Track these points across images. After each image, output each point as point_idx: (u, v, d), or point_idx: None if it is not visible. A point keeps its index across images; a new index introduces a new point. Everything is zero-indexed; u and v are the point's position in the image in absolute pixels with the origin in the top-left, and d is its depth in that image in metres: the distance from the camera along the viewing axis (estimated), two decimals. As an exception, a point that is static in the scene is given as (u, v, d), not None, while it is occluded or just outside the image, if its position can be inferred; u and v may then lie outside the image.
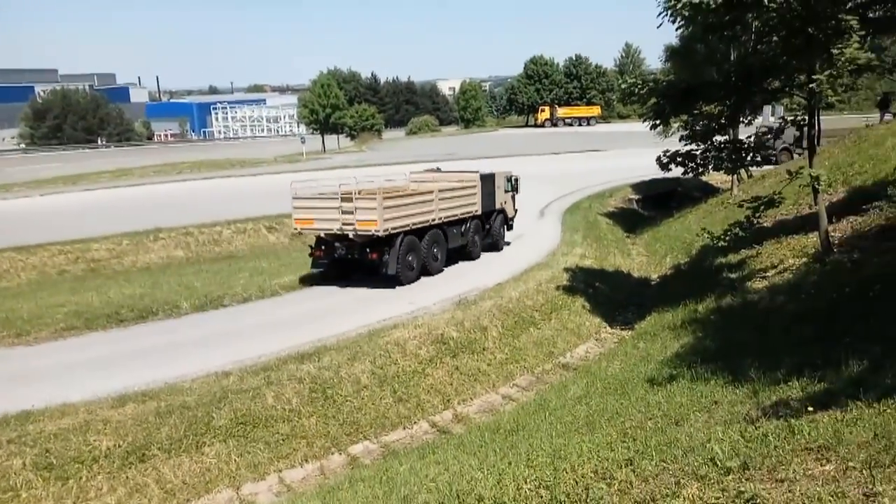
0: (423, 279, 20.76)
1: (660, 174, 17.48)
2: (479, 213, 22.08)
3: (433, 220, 19.74)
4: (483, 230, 22.68)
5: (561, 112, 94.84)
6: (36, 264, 25.84)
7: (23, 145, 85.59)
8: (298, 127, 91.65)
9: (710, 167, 15.75)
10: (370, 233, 17.72)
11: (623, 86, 16.31)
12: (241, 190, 41.77)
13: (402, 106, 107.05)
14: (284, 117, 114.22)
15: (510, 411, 13.13)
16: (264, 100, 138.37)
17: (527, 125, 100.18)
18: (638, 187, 37.84)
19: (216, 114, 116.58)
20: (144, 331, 17.06)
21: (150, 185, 44.49)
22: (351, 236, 18.09)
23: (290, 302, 19.21)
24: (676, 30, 13.87)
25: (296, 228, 19.76)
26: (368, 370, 14.47)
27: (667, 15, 12.97)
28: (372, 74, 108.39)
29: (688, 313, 14.86)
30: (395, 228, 18.09)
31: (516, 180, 23.93)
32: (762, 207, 15.42)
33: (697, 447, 6.39)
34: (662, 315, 15.88)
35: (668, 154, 15.88)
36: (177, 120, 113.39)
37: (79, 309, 18.22)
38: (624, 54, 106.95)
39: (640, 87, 15.43)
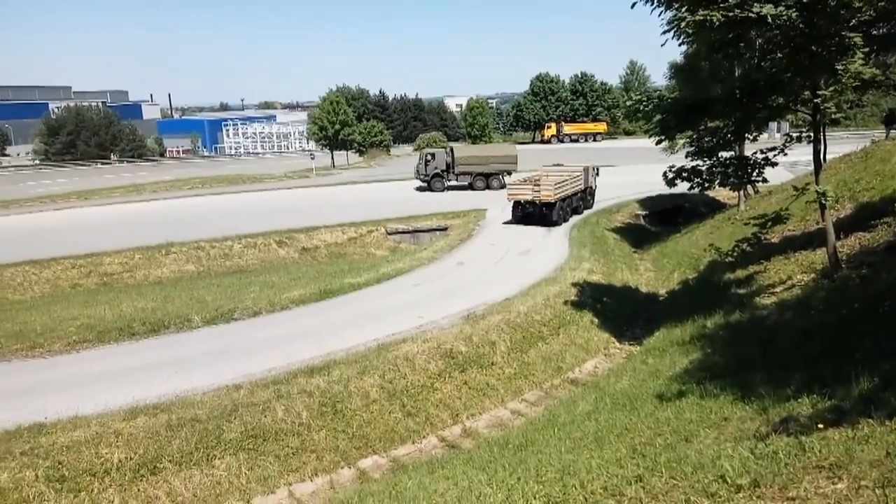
0: (436, 290, 21.04)
1: (666, 190, 17.55)
2: (583, 188, 35.79)
3: (569, 192, 33.53)
4: (584, 197, 36.22)
5: (567, 128, 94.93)
6: (49, 278, 26.16)
7: (37, 161, 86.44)
8: (308, 143, 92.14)
9: (716, 182, 15.76)
10: (548, 200, 31.26)
11: (629, 102, 16.45)
12: (252, 205, 42.09)
13: (409, 122, 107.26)
14: (294, 134, 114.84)
15: (519, 426, 13.14)
16: (274, 116, 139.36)
17: (533, 141, 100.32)
18: (645, 203, 37.86)
19: (227, 130, 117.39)
20: (156, 344, 17.22)
21: (162, 201, 44.92)
22: (537, 202, 31.52)
23: (301, 316, 19.33)
24: (679, 45, 13.99)
25: (510, 199, 32.61)
26: (377, 384, 14.53)
27: (671, 33, 13.10)
28: (380, 91, 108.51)
29: (696, 329, 14.85)
30: (557, 197, 31.61)
31: (598, 169, 38.73)
32: (769, 223, 15.45)
33: (707, 464, 6.39)
34: (671, 330, 15.87)
35: (673, 170, 15.92)
36: (188, 136, 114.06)
37: (91, 322, 18.42)
38: (629, 71, 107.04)
39: (645, 103, 15.56)
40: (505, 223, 32.87)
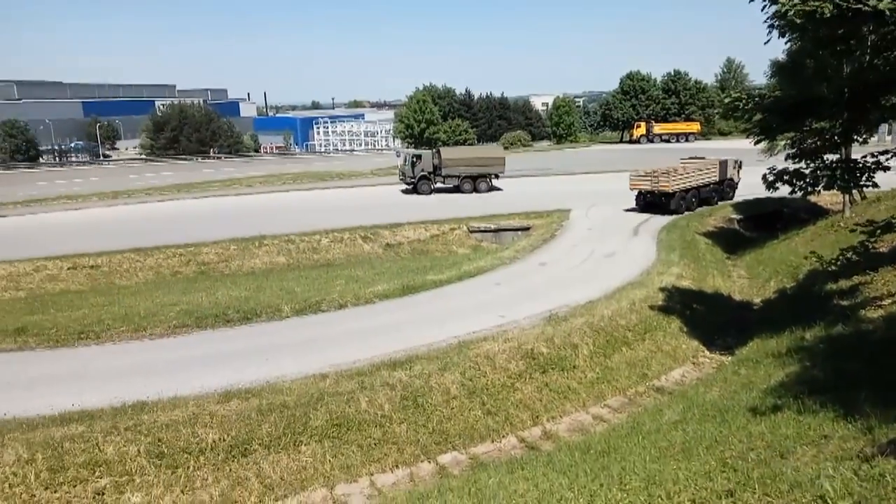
0: (518, 290, 20.96)
1: (763, 193, 16.75)
2: (717, 180, 37.85)
3: (694, 184, 35.98)
4: (720, 189, 38.16)
5: (658, 128, 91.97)
6: (152, 265, 27.88)
7: (143, 155, 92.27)
8: (394, 141, 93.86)
9: (820, 186, 14.88)
10: (665, 190, 34.01)
11: (727, 100, 15.77)
12: (339, 201, 43.30)
13: (494, 121, 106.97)
14: (381, 132, 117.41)
15: (601, 432, 12.88)
16: (363, 115, 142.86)
17: (621, 141, 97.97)
18: (739, 206, 36.23)
19: (318, 128, 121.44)
20: (248, 331, 18.02)
21: (256, 195, 46.89)
22: (656, 191, 34.33)
23: (384, 310, 19.71)
24: (786, 43, 13.32)
25: (632, 189, 35.42)
26: (458, 381, 14.62)
27: (775, 26, 12.46)
28: (466, 90, 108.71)
29: (794, 340, 14.07)
30: (675, 188, 34.20)
31: (740, 163, 39.56)
32: (878, 231, 14.45)
33: (805, 483, 6.08)
34: (766, 341, 15.12)
35: (774, 172, 15.15)
36: (282, 133, 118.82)
37: (190, 308, 19.48)
38: (725, 70, 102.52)
39: (744, 101, 14.89)
40: (626, 210, 35.77)
